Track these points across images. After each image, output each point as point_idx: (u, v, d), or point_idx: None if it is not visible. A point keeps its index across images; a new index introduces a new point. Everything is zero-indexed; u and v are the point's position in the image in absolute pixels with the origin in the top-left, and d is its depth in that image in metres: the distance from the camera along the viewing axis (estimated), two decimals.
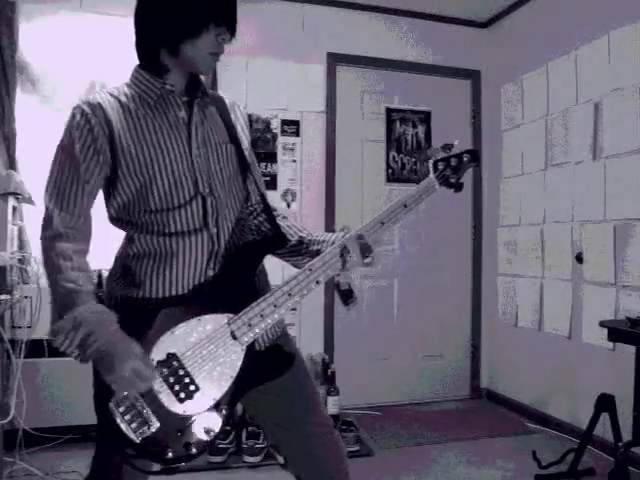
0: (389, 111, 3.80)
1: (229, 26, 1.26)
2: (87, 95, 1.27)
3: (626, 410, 2.34)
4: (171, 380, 1.14)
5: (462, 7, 3.72)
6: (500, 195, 3.79)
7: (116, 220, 1.30)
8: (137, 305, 1.23)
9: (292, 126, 3.52)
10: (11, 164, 2.90)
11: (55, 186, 1.23)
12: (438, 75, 3.87)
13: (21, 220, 2.90)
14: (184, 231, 1.23)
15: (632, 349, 2.30)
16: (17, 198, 2.79)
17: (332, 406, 3.10)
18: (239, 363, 1.18)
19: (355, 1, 3.63)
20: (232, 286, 1.22)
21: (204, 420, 1.15)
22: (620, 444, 2.29)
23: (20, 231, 2.90)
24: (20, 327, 2.65)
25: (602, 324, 2.41)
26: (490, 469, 2.70)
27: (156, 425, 1.12)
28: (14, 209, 2.79)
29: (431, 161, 1.32)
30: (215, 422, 1.15)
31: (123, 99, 1.25)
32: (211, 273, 1.24)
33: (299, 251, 1.35)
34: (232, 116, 1.39)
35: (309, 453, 1.36)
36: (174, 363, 1.15)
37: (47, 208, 1.23)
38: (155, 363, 1.14)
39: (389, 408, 3.64)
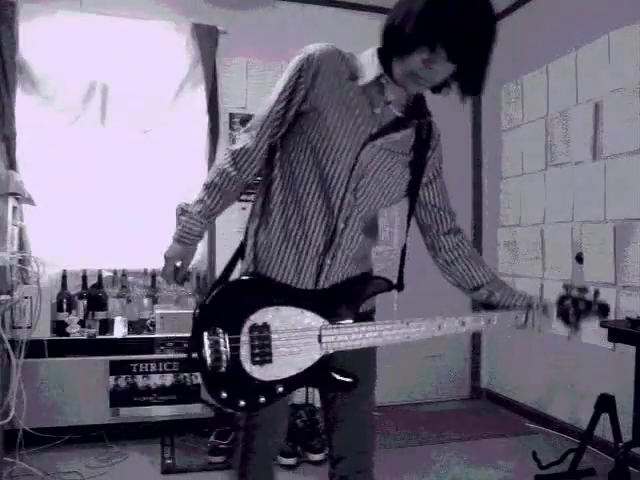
0: None
1: (450, 55, 1.17)
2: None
3: (626, 410, 2.34)
4: (256, 343, 1.28)
5: None
6: (500, 195, 3.79)
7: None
8: (255, 273, 1.39)
9: None
10: (11, 164, 2.90)
11: None
12: None
13: (21, 220, 2.91)
14: (314, 210, 1.33)
15: (632, 349, 2.30)
16: (17, 198, 2.79)
17: None
18: (310, 363, 1.31)
19: (355, 1, 3.63)
20: (340, 301, 1.34)
21: (261, 387, 1.30)
22: (620, 444, 2.29)
23: (20, 231, 2.91)
24: (20, 327, 2.65)
25: (602, 324, 2.41)
26: (490, 469, 2.70)
27: (225, 368, 1.28)
28: (14, 209, 2.79)
29: (560, 293, 1.42)
30: (268, 393, 1.30)
31: (345, 61, 1.32)
32: (328, 262, 1.34)
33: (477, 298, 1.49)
34: (431, 143, 1.42)
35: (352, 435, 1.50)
36: (265, 332, 1.29)
37: None
38: (252, 324, 1.29)
39: (389, 408, 3.64)
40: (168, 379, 2.95)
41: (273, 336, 1.29)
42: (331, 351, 1.31)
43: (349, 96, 1.29)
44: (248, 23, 3.39)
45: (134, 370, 2.91)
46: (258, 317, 1.29)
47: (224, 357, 1.28)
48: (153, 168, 3.23)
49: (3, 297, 2.37)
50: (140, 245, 3.15)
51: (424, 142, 1.40)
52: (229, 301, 1.32)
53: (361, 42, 4.04)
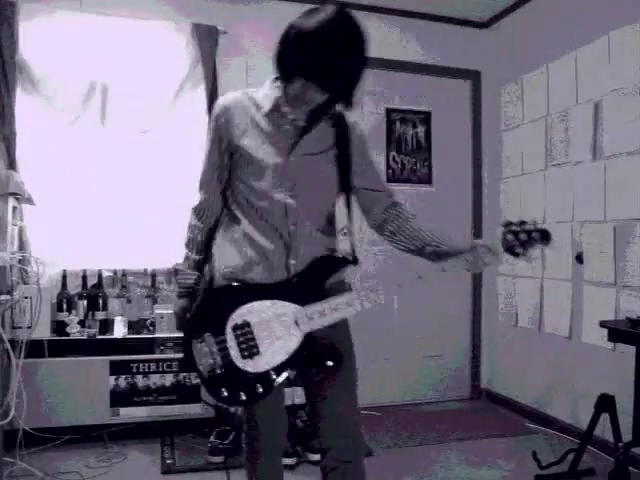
0: (389, 111, 3.80)
1: (319, 86, 1.37)
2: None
3: (626, 410, 2.34)
4: (241, 340, 1.45)
5: (462, 7, 3.72)
6: (500, 195, 3.79)
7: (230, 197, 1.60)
8: (232, 280, 1.54)
9: None
10: (11, 164, 2.90)
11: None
12: (438, 75, 3.87)
13: (21, 220, 2.90)
14: (266, 221, 1.51)
15: (632, 349, 2.30)
16: (17, 198, 2.79)
17: None
18: (295, 346, 1.45)
19: (355, 1, 3.63)
20: (304, 286, 1.50)
21: (257, 378, 1.45)
22: (620, 444, 2.29)
23: (20, 231, 2.91)
24: (20, 327, 2.65)
25: (602, 324, 2.41)
26: (490, 469, 2.70)
27: (220, 370, 1.45)
28: (14, 209, 2.79)
29: (501, 230, 1.49)
30: (264, 382, 1.45)
31: (250, 98, 1.54)
32: (293, 262, 1.50)
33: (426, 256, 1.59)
34: (350, 136, 1.57)
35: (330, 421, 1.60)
36: (246, 329, 1.46)
37: None
38: (233, 324, 1.46)
39: (389, 408, 3.64)
40: (168, 379, 2.95)
41: (255, 330, 1.45)
42: (309, 330, 1.45)
43: (261, 124, 1.50)
44: (248, 23, 3.39)
45: (134, 370, 2.91)
46: (237, 317, 1.46)
47: (217, 360, 1.45)
48: (153, 168, 3.23)
49: (3, 297, 2.37)
50: (140, 245, 3.15)
51: (344, 135, 1.56)
52: (208, 311, 1.51)
53: None
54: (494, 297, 3.83)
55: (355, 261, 1.57)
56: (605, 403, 2.37)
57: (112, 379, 2.88)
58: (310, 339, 1.46)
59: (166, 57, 3.21)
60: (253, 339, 1.45)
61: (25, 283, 2.81)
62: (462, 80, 3.95)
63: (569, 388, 3.13)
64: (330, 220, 1.62)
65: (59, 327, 2.92)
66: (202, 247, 1.63)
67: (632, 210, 2.70)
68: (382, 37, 3.71)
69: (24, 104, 2.98)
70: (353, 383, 1.64)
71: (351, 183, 1.58)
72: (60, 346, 2.83)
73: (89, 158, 3.12)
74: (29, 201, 2.87)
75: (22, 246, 2.90)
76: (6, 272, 2.49)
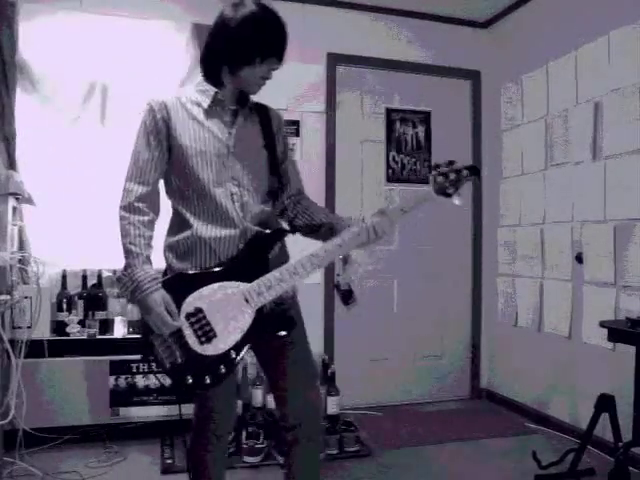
0: (389, 111, 3.80)
1: (281, 59, 1.59)
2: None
3: (626, 410, 2.34)
4: (196, 327, 1.49)
5: (462, 7, 3.72)
6: (500, 195, 3.79)
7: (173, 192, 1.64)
8: (180, 272, 1.56)
9: (292, 126, 3.52)
10: (11, 164, 2.90)
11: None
12: (438, 75, 3.87)
13: (21, 220, 2.90)
14: (215, 210, 1.55)
15: (632, 349, 2.30)
16: (17, 198, 2.78)
17: (332, 406, 3.09)
18: (249, 322, 1.50)
19: (355, 1, 3.63)
20: (248, 263, 1.54)
21: (218, 360, 1.49)
22: (620, 444, 2.29)
23: (20, 231, 2.90)
24: (20, 327, 2.65)
25: (602, 324, 2.41)
26: (490, 469, 2.70)
27: (182, 359, 1.48)
28: (14, 209, 2.79)
29: (431, 174, 1.53)
30: (225, 362, 1.49)
31: (183, 100, 1.62)
32: (241, 246, 1.55)
33: (317, 234, 1.69)
34: (273, 124, 1.68)
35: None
36: (200, 315, 1.49)
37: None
38: (185, 314, 1.48)
39: (389, 408, 3.64)
40: (168, 379, 2.94)
41: (208, 314, 1.49)
42: (260, 305, 1.51)
43: (200, 118, 1.59)
44: None
45: (134, 370, 2.91)
46: (188, 306, 1.49)
47: (175, 350, 1.49)
48: None
49: (3, 297, 2.37)
50: None
51: (267, 129, 1.67)
52: None
53: (361, 41, 4.05)
54: (494, 297, 3.82)
55: (293, 231, 1.68)
56: (605, 403, 2.37)
57: (112, 379, 2.88)
58: (261, 314, 1.51)
59: (166, 57, 3.20)
60: (208, 324, 1.49)
61: (25, 283, 2.81)
62: (462, 80, 3.94)
63: (569, 388, 3.13)
64: (269, 198, 1.69)
65: (59, 327, 2.92)
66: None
67: (632, 210, 2.70)
68: (382, 37, 3.72)
69: (24, 104, 2.98)
70: (309, 357, 1.70)
71: (279, 169, 1.68)
72: (60, 346, 2.83)
73: (89, 158, 3.12)
74: (29, 201, 2.87)
75: (22, 246, 2.90)
76: (6, 272, 2.49)
